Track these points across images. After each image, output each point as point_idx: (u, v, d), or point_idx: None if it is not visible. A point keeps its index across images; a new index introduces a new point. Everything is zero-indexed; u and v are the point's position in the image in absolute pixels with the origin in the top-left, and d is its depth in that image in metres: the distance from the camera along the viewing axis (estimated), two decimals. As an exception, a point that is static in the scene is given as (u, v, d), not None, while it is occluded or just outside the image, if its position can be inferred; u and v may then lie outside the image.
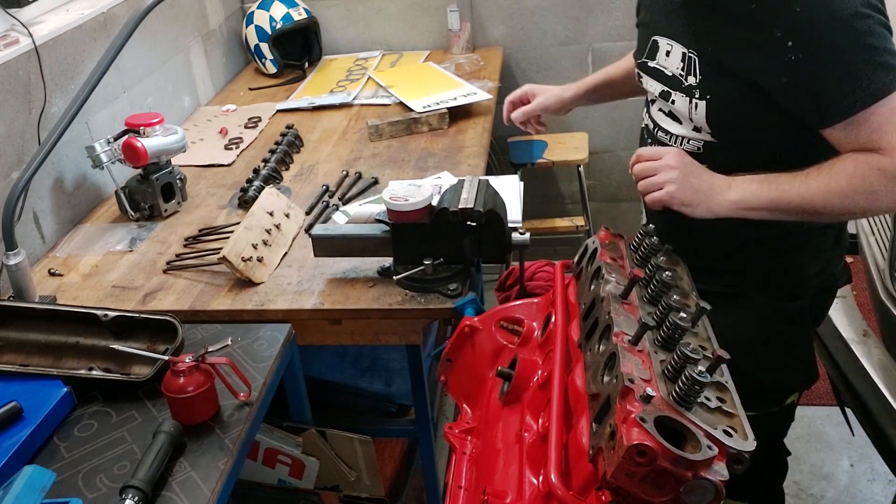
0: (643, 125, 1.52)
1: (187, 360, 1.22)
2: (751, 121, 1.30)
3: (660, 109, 1.45)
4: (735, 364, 0.97)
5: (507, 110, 1.83)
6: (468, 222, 1.46)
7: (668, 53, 1.38)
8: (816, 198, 1.23)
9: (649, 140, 1.47)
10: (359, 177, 2.02)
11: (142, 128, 1.88)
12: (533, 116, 1.83)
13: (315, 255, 1.59)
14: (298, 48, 2.98)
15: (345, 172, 2.05)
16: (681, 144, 1.39)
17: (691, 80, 1.33)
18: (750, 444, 0.85)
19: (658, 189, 1.29)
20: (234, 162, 2.22)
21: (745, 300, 1.42)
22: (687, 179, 1.28)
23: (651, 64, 1.42)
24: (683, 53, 1.34)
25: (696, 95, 1.32)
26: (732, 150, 1.33)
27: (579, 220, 3.09)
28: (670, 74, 1.37)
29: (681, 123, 1.39)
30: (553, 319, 1.22)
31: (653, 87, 1.43)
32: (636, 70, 1.49)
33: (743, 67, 1.26)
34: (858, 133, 1.20)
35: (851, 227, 1.73)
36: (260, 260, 1.63)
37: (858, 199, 1.22)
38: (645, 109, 1.52)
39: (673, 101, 1.37)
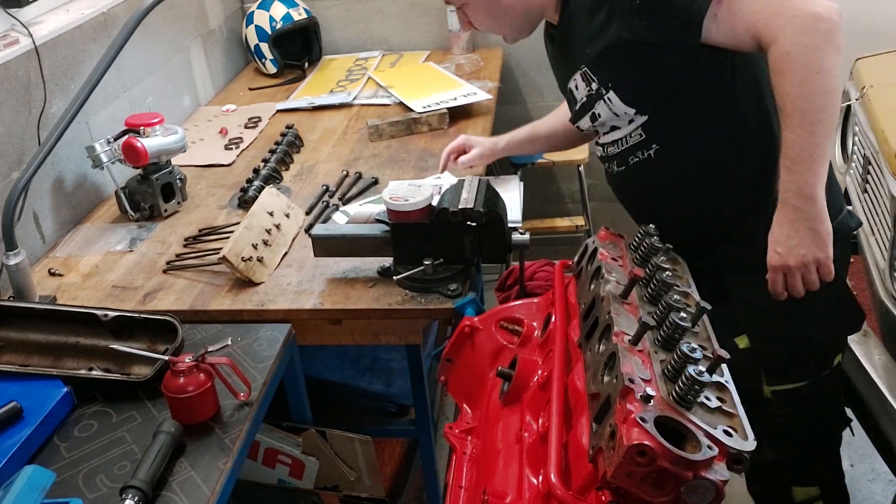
0: (605, 168, 1.60)
1: (187, 360, 1.22)
2: (656, 77, 1.36)
3: (604, 134, 1.53)
4: (783, 332, 0.99)
5: (444, 159, 1.91)
6: (468, 222, 1.46)
7: (576, 87, 1.49)
8: (812, 122, 1.24)
9: (612, 167, 1.55)
10: (359, 177, 2.02)
11: (142, 128, 1.88)
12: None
13: (315, 255, 1.59)
14: (298, 48, 2.98)
15: (345, 172, 2.05)
16: (622, 142, 1.47)
17: (594, 85, 1.43)
18: (750, 444, 0.85)
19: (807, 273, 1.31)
20: (234, 162, 2.22)
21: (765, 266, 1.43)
22: (795, 245, 1.29)
23: (576, 107, 1.53)
24: (581, 75, 1.46)
25: (604, 92, 1.42)
26: (667, 115, 1.39)
27: (579, 220, 3.09)
28: (585, 98, 1.48)
29: (619, 128, 1.47)
30: (553, 319, 1.22)
31: (585, 123, 1.52)
32: (577, 126, 1.58)
33: (614, 42, 1.35)
34: (733, 22, 1.26)
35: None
36: (260, 260, 1.62)
37: (818, 82, 1.22)
38: (601, 160, 1.61)
39: (599, 115, 1.46)
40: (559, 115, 1.81)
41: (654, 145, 1.42)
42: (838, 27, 1.20)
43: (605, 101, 1.42)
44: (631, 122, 1.43)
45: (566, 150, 1.96)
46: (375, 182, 2.00)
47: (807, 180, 1.24)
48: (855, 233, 1.83)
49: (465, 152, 1.91)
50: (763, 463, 1.54)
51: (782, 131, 1.26)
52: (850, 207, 1.60)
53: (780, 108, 1.26)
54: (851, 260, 1.67)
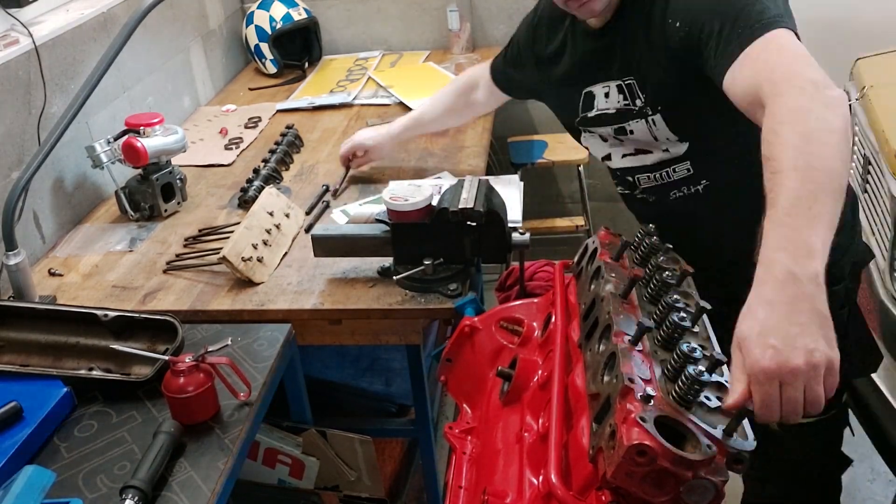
0: (619, 189, 1.55)
1: (187, 360, 1.22)
2: (706, 105, 1.29)
3: (623, 155, 1.46)
4: None
5: (343, 163, 2.03)
6: (468, 222, 1.46)
7: (606, 95, 1.42)
8: (812, 183, 0.96)
9: (638, 194, 1.49)
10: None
11: (142, 128, 1.88)
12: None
13: (315, 255, 1.59)
14: (298, 48, 2.98)
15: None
16: (664, 176, 1.41)
17: (638, 102, 1.37)
18: (750, 444, 0.85)
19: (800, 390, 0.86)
20: (234, 162, 2.22)
21: None
22: (795, 334, 0.87)
23: (591, 114, 1.45)
24: (620, 86, 1.39)
25: (649, 112, 1.36)
26: (709, 146, 1.34)
27: (579, 220, 3.09)
28: (616, 111, 1.41)
29: (651, 152, 1.40)
30: (553, 319, 1.21)
31: (602, 132, 1.45)
32: (577, 127, 1.51)
33: (680, 72, 1.29)
34: (745, 72, 1.14)
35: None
36: (260, 260, 1.62)
37: (816, 145, 0.98)
38: (613, 174, 1.54)
39: (631, 132, 1.40)
40: (439, 105, 1.91)
41: (703, 181, 1.37)
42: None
43: (647, 122, 1.37)
44: (665, 150, 1.38)
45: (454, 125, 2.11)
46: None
47: (806, 239, 0.90)
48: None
49: (356, 155, 2.00)
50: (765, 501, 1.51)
51: (768, 181, 0.99)
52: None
53: (769, 157, 1.01)
54: None
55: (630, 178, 1.49)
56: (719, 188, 1.40)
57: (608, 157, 1.52)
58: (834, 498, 1.62)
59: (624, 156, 1.47)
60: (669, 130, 1.36)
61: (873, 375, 1.67)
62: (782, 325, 0.86)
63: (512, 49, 1.74)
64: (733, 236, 1.31)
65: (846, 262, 1.43)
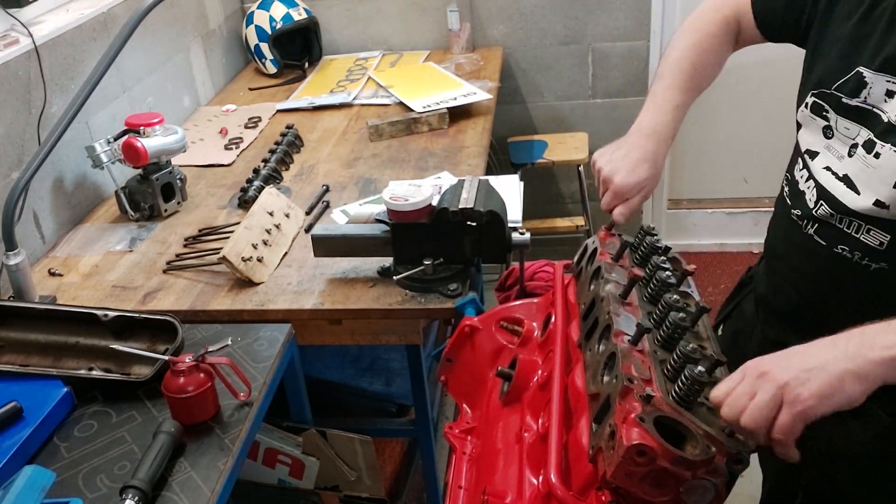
0: (789, 182, 1.20)
1: (187, 360, 1.22)
2: None
3: (826, 167, 1.11)
4: (840, 485, 0.84)
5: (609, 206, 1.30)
6: (468, 222, 1.46)
7: (890, 94, 1.03)
8: None
9: (806, 223, 1.16)
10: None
11: (142, 128, 1.88)
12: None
13: (315, 255, 1.59)
14: (298, 48, 2.98)
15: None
16: (851, 226, 1.09)
17: None
18: (750, 444, 0.85)
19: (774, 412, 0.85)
20: (234, 162, 2.22)
21: (861, 410, 1.02)
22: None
23: (853, 102, 1.08)
24: None
25: None
26: None
27: (579, 220, 3.10)
28: (889, 120, 1.03)
29: (858, 193, 1.05)
30: (553, 319, 1.21)
31: (850, 131, 1.08)
32: (812, 99, 1.14)
33: None
34: None
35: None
36: (260, 260, 1.62)
37: None
38: (788, 181, 1.21)
39: (877, 155, 1.03)
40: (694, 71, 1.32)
41: (886, 263, 1.05)
42: None
43: None
44: (884, 205, 1.03)
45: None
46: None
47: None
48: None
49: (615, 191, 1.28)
50: None
51: None
52: None
53: None
54: None
55: (808, 199, 1.15)
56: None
57: (812, 154, 1.15)
58: None
59: (826, 168, 1.11)
60: None
61: None
62: (808, 359, 0.86)
63: None
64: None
65: None
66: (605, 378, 0.93)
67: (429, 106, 2.35)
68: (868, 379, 0.84)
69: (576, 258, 1.31)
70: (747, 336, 1.38)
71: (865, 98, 1.06)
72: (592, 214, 3.12)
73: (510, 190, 1.81)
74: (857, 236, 1.08)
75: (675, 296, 1.02)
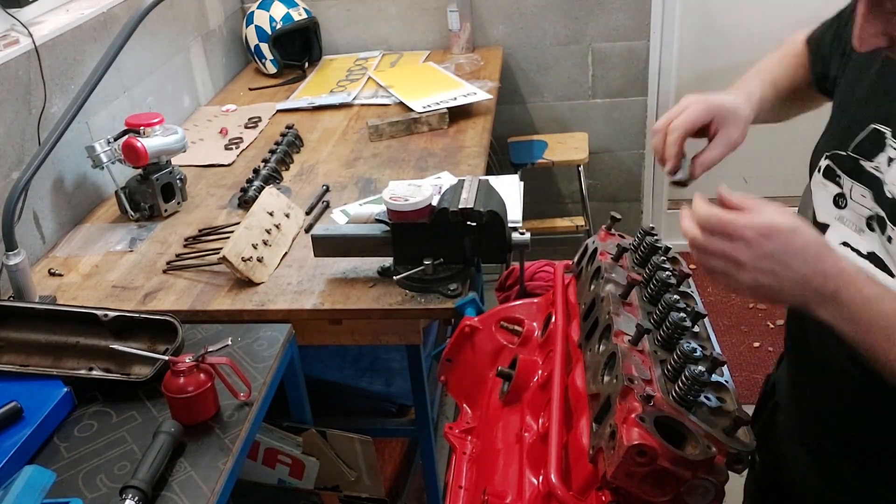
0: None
1: (187, 361, 1.22)
2: None
3: (843, 243, 0.94)
4: None
5: (663, 143, 1.17)
6: (468, 222, 1.46)
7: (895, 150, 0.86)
8: None
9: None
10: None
11: (142, 128, 1.88)
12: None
13: (315, 255, 1.59)
14: (298, 48, 2.98)
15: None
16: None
17: None
18: (750, 444, 0.85)
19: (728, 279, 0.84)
20: (234, 162, 2.22)
21: (869, 496, 0.99)
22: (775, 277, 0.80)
23: (868, 166, 0.90)
24: None
25: None
26: None
27: (579, 220, 3.10)
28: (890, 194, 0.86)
29: (893, 275, 0.87)
30: (553, 319, 1.21)
31: (863, 205, 0.92)
32: (826, 162, 0.98)
33: None
34: None
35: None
36: (260, 260, 1.62)
37: None
38: (824, 208, 1.00)
39: (890, 239, 0.86)
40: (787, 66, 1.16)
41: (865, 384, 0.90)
42: None
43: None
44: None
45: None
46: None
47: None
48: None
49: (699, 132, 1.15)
50: None
51: None
52: None
53: None
54: None
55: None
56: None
57: (822, 228, 0.98)
58: None
59: (855, 251, 0.93)
60: None
61: None
62: (780, 274, 0.80)
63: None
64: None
65: None
66: (606, 378, 0.93)
67: (429, 106, 2.35)
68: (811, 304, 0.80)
69: (576, 258, 1.31)
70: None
71: (878, 165, 0.89)
72: (592, 214, 3.12)
73: (510, 190, 1.81)
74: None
75: (675, 296, 1.02)
